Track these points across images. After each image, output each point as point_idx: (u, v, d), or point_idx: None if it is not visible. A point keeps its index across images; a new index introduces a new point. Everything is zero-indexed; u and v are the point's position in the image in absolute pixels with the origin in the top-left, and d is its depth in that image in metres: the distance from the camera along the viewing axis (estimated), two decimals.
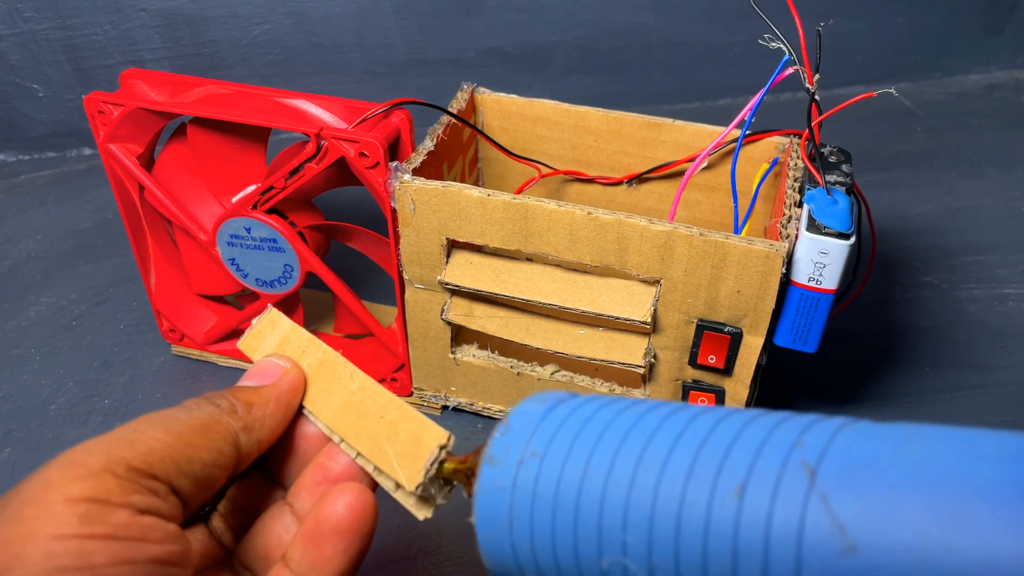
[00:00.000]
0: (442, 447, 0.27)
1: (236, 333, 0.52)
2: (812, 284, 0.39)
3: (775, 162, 0.47)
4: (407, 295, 0.46)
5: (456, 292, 0.45)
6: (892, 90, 0.42)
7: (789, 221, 0.40)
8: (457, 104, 0.49)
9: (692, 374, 0.44)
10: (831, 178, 0.41)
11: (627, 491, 0.22)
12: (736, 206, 0.46)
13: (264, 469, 0.32)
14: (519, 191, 0.48)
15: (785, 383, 0.52)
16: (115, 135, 0.45)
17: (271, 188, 0.44)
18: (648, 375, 0.44)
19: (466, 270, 0.44)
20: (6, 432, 0.49)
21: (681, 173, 0.50)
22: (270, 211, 0.45)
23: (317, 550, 0.27)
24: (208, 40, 0.74)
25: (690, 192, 0.50)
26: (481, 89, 0.51)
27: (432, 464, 0.27)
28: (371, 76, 0.78)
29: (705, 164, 0.48)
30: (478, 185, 0.44)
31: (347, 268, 0.49)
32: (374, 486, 0.30)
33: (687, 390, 0.44)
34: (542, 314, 0.45)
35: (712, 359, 0.42)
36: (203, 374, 0.53)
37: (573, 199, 0.53)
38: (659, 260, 0.40)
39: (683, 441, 0.22)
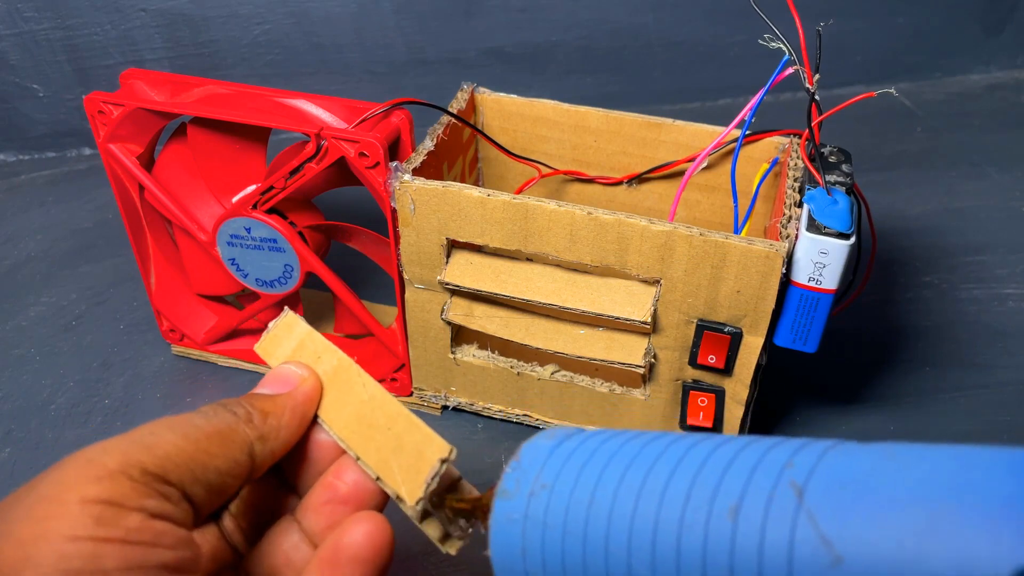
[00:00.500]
0: (444, 460, 0.28)
1: (236, 333, 0.52)
2: (812, 284, 0.39)
3: (775, 162, 0.47)
4: (407, 295, 0.46)
5: (456, 292, 0.45)
6: (892, 90, 0.42)
7: (789, 221, 0.40)
8: (457, 104, 0.49)
9: (692, 374, 0.44)
10: (831, 178, 0.41)
11: (630, 517, 0.23)
12: (736, 206, 0.46)
13: (278, 473, 0.32)
14: (519, 191, 0.48)
15: (785, 383, 0.52)
16: (115, 135, 0.45)
17: (271, 188, 0.44)
18: (648, 375, 0.44)
19: (466, 270, 0.44)
20: (6, 432, 0.49)
21: (681, 173, 0.50)
22: (270, 211, 0.45)
23: None
24: (208, 40, 0.74)
25: (690, 192, 0.50)
26: (481, 89, 0.51)
27: (433, 478, 0.28)
28: (371, 76, 0.78)
29: (705, 164, 0.48)
30: (478, 185, 0.44)
31: (347, 268, 0.49)
32: (383, 505, 0.30)
33: (687, 390, 0.44)
34: (542, 314, 0.45)
35: (712, 359, 0.42)
36: (203, 374, 0.53)
37: (573, 199, 0.53)
38: (659, 260, 0.40)
39: (682, 467, 0.23)
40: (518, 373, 0.47)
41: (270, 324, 0.33)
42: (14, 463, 0.47)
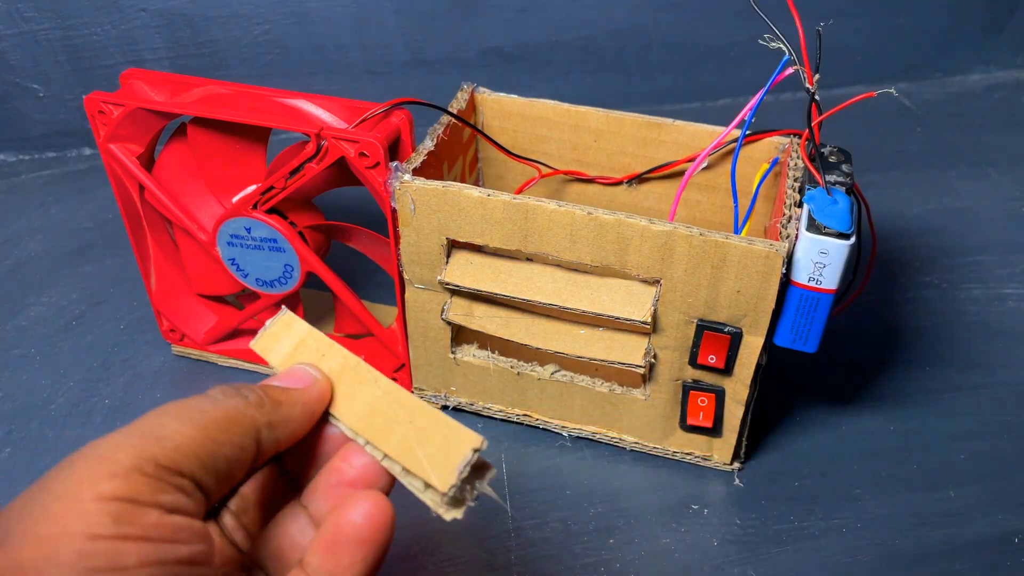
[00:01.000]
0: (475, 450, 0.28)
1: (236, 333, 0.52)
2: (812, 284, 0.39)
3: (775, 162, 0.47)
4: (407, 295, 0.46)
5: (456, 292, 0.45)
6: (892, 90, 0.42)
7: (789, 221, 0.40)
8: (457, 104, 0.49)
9: (692, 374, 0.44)
10: (831, 178, 0.41)
11: None
12: (736, 206, 0.46)
13: (279, 468, 0.32)
14: (519, 191, 0.48)
15: (785, 383, 0.52)
16: (115, 135, 0.45)
17: (271, 188, 0.44)
18: (648, 375, 0.44)
19: (466, 270, 0.44)
20: (6, 432, 0.49)
21: (681, 173, 0.50)
22: (270, 211, 0.45)
23: (335, 559, 0.27)
24: (208, 40, 0.74)
25: (690, 192, 0.50)
26: (481, 89, 0.51)
27: (465, 467, 0.28)
28: (371, 76, 0.78)
29: (705, 164, 0.48)
30: (478, 185, 0.44)
31: (347, 268, 0.49)
32: (389, 488, 0.30)
33: (687, 390, 0.44)
34: (542, 314, 0.45)
35: (712, 359, 0.42)
36: (203, 374, 0.53)
37: (573, 199, 0.53)
38: (659, 260, 0.40)
39: None
40: (518, 373, 0.47)
41: (267, 322, 0.33)
42: (14, 463, 0.47)
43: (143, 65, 0.73)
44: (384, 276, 0.49)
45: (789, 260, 0.39)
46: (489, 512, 0.44)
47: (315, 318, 0.54)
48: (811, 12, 0.39)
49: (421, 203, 0.41)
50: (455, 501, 0.28)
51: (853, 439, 0.49)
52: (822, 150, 0.43)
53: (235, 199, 0.46)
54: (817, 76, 0.39)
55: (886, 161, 0.75)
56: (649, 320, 0.41)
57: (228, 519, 0.30)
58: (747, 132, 0.44)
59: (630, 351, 0.43)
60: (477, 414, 0.50)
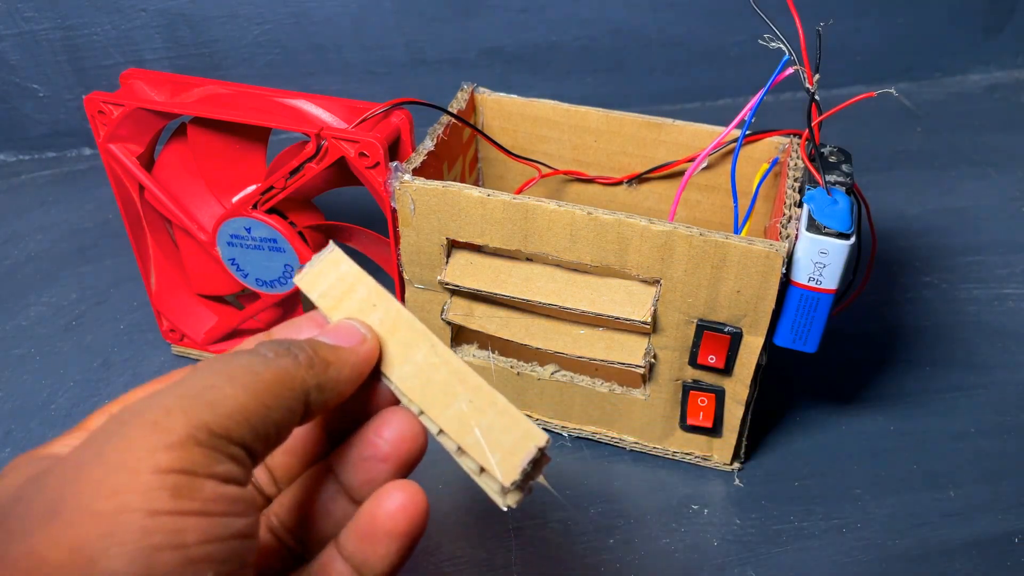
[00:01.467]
0: (541, 449, 0.27)
1: (236, 333, 0.52)
2: (812, 284, 0.39)
3: (775, 162, 0.47)
4: (407, 295, 0.46)
5: (456, 292, 0.45)
6: (892, 90, 0.42)
7: (789, 221, 0.40)
8: (457, 104, 0.49)
9: (692, 374, 0.44)
10: (831, 178, 0.41)
11: None
12: (736, 206, 0.46)
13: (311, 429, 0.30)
14: (519, 191, 0.48)
15: (785, 383, 0.52)
16: (115, 135, 0.45)
17: (271, 188, 0.44)
18: (648, 375, 0.44)
19: (466, 270, 0.44)
20: (6, 432, 0.49)
21: (681, 173, 0.50)
22: (270, 211, 0.45)
23: (371, 547, 0.27)
24: (208, 40, 0.74)
25: (690, 192, 0.50)
26: (481, 89, 0.51)
27: (529, 463, 0.26)
28: (371, 76, 0.78)
29: (705, 164, 0.48)
30: (478, 185, 0.44)
31: None
32: (418, 461, 0.28)
33: (687, 390, 0.44)
34: (542, 314, 0.45)
35: (712, 359, 0.42)
36: None
37: (573, 199, 0.53)
38: (659, 260, 0.40)
39: None
40: (518, 373, 0.47)
41: (313, 258, 0.30)
42: None
43: (143, 65, 0.73)
44: (384, 276, 0.49)
45: (789, 260, 0.39)
46: (489, 512, 0.44)
47: None
48: (811, 12, 0.39)
49: (421, 203, 0.41)
50: (513, 490, 0.27)
51: (853, 439, 0.49)
52: (822, 150, 0.43)
53: (235, 199, 0.46)
54: (817, 76, 0.39)
55: (886, 161, 0.75)
56: (649, 320, 0.41)
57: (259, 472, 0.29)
58: (747, 132, 0.44)
59: (630, 351, 0.43)
60: None
